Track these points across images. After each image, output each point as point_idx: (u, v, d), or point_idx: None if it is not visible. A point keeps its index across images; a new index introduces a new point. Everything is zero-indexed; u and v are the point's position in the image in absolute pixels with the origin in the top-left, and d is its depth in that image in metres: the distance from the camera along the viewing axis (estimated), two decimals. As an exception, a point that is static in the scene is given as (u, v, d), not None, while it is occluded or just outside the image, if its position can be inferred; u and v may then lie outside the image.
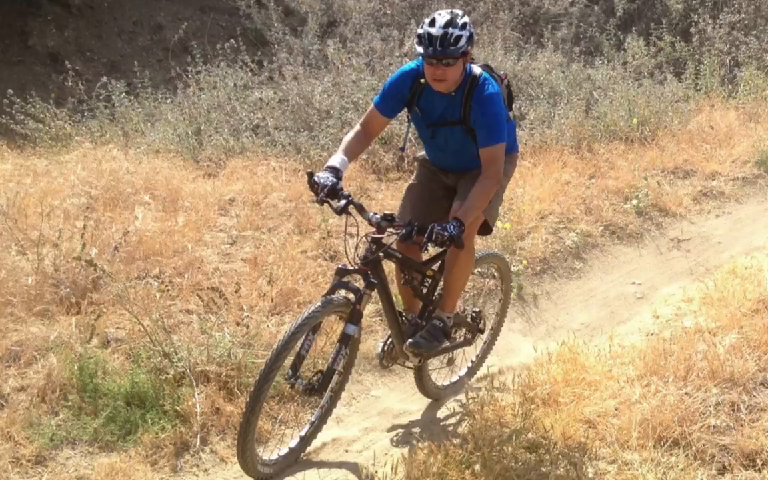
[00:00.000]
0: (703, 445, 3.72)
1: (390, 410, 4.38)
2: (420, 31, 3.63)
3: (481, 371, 4.73)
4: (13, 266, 4.78)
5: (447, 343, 4.16)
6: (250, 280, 5.09)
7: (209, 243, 5.58)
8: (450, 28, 3.57)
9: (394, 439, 4.09)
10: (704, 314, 5.02)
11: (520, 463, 3.64)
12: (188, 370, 4.07)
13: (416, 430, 4.19)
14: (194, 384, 4.02)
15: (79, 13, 11.30)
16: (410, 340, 3.93)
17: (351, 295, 3.66)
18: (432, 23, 3.60)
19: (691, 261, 6.49)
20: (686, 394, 4.03)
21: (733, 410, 3.96)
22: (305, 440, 3.81)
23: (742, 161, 8.34)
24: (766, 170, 8.24)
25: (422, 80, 3.78)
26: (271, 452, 3.72)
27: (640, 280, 6.14)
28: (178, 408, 3.91)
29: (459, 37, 3.57)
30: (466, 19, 3.65)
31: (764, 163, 8.29)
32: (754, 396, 4.06)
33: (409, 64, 3.90)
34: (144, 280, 4.96)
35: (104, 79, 8.20)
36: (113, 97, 8.03)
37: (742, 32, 11.20)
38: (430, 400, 4.43)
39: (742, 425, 3.85)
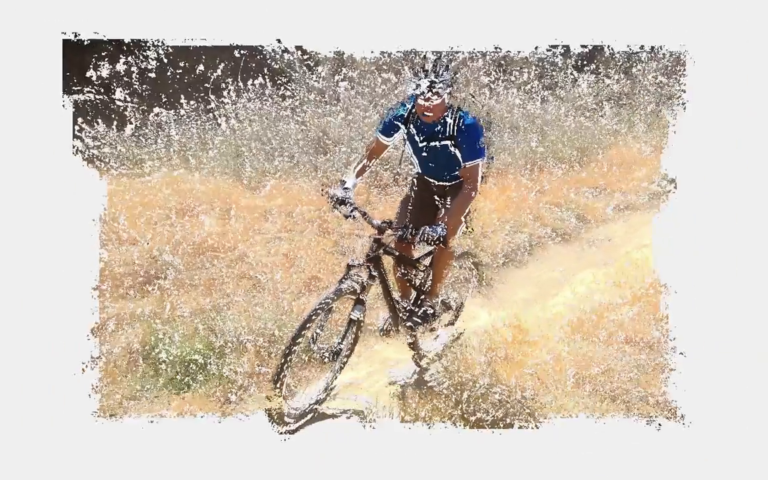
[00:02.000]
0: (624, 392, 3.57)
1: (388, 359, 4.40)
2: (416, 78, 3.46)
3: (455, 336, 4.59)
4: (108, 260, 4.65)
5: (435, 324, 4.03)
6: (284, 269, 4.96)
7: (255, 242, 5.45)
8: (439, 61, 3.47)
9: (391, 383, 4.09)
10: (611, 292, 4.99)
11: (491, 416, 3.49)
12: (233, 340, 3.90)
13: (408, 375, 4.17)
14: (238, 351, 3.87)
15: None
16: (407, 325, 3.84)
17: (357, 285, 3.52)
18: (424, 69, 3.43)
19: (601, 255, 6.37)
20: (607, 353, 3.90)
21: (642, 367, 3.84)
22: (326, 391, 3.77)
23: (646, 182, 8.20)
24: (664, 189, 8.08)
25: (414, 111, 3.60)
26: (296, 404, 3.59)
27: (562, 267, 6.02)
28: (224, 372, 3.78)
29: (447, 68, 3.47)
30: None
31: (662, 184, 8.12)
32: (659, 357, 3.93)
33: (401, 109, 3.69)
34: (204, 270, 4.80)
35: (156, 109, 7.68)
36: (168, 126, 7.57)
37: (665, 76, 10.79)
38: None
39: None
